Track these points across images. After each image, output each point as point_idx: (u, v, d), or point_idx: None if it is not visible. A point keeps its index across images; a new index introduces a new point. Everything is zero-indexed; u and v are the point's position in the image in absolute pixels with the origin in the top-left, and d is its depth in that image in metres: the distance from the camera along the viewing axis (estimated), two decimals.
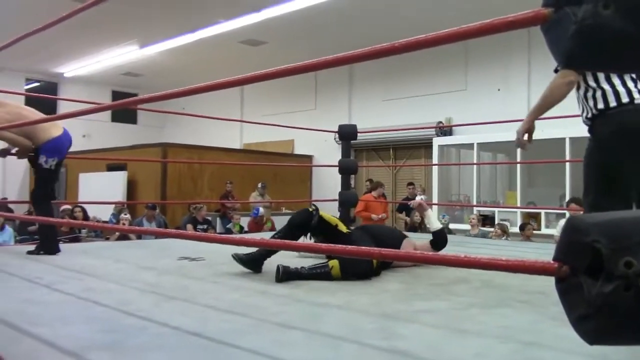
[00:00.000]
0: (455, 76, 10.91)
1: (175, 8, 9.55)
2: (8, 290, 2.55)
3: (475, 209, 8.98)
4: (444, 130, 10.80)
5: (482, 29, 1.11)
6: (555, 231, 7.49)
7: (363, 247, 1.48)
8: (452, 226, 8.94)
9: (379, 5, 9.06)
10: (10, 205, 10.84)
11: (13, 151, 4.10)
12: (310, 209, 3.31)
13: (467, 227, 8.50)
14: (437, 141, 10.40)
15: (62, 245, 4.10)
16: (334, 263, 2.93)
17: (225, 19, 9.91)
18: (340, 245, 1.51)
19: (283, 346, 1.73)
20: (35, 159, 3.86)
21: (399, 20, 9.42)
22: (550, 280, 0.93)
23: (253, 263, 3.12)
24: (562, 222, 5.26)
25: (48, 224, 3.95)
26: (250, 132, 14.77)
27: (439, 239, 3.52)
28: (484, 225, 8.52)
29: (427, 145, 10.99)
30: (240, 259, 3.12)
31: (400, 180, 12.10)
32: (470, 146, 9.88)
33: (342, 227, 3.28)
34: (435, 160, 10.29)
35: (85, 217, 8.74)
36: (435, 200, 9.81)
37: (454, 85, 10.91)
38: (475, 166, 9.58)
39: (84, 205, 8.97)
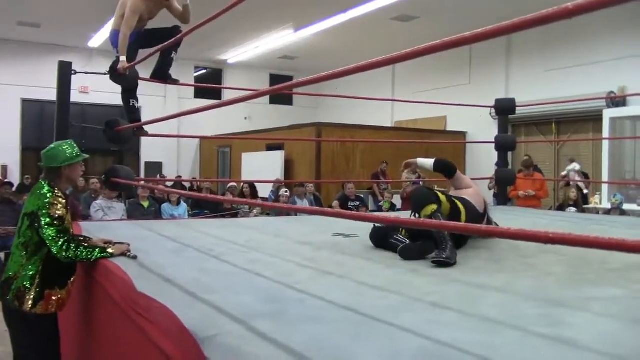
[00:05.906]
0: (631, 40, 9.75)
1: None
2: (185, 260, 2.82)
3: None
4: (617, 100, 9.75)
5: None
6: None
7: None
8: (626, 207, 8.08)
9: None
10: (185, 183, 12.04)
11: None
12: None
13: None
14: (608, 113, 9.44)
15: (229, 220, 4.43)
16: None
17: None
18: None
19: (439, 326, 1.70)
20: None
21: None
22: None
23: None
24: None
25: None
26: (402, 110, 14.65)
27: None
28: None
29: (595, 118, 10.04)
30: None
31: (564, 157, 11.26)
32: None
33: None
34: (605, 134, 9.36)
35: (254, 193, 9.35)
36: (605, 178, 8.96)
37: (628, 50, 9.77)
38: None
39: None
